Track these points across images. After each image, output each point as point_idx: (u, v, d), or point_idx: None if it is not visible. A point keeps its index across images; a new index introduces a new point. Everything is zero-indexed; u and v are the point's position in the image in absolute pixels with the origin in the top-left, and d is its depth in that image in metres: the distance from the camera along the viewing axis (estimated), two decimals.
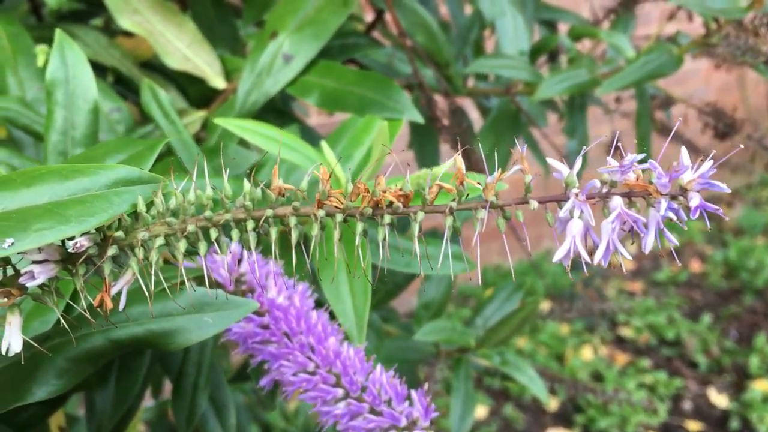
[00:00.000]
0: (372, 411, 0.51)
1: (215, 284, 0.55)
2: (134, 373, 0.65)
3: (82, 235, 0.33)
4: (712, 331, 2.70)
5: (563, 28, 1.22)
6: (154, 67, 0.95)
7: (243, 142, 0.77)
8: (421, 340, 0.91)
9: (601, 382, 2.47)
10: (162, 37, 0.86)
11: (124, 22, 0.84)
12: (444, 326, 0.92)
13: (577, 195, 0.32)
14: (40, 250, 0.33)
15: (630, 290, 2.97)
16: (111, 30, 0.97)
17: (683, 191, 0.32)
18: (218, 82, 0.88)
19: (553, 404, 2.41)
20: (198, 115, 0.89)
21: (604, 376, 2.48)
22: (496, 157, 0.35)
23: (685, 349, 2.63)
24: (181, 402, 0.70)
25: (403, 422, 0.51)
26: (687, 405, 2.41)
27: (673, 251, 0.34)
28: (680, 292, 2.94)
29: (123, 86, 0.95)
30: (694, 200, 0.31)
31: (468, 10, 1.15)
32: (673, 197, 0.32)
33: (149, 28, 0.86)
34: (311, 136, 0.91)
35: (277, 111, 0.93)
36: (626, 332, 2.72)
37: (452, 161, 0.34)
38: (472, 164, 0.88)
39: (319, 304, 0.58)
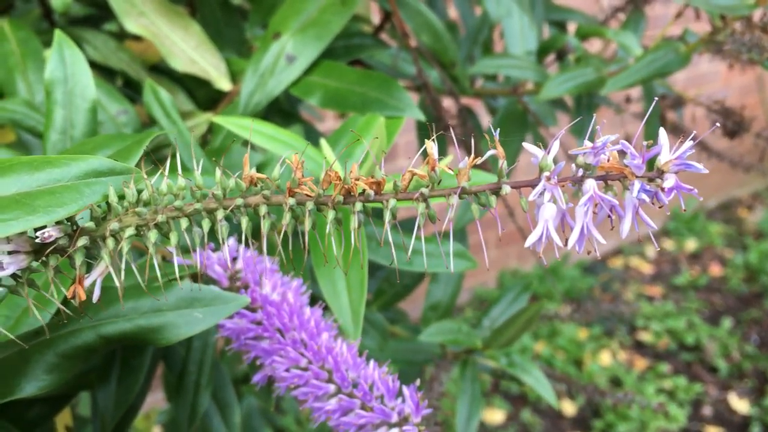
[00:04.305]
0: (363, 407, 0.51)
1: (210, 281, 0.55)
2: (136, 371, 0.65)
3: (52, 225, 0.33)
4: (733, 335, 2.66)
5: (573, 28, 1.21)
6: (162, 70, 0.96)
7: (248, 144, 0.77)
8: (426, 341, 0.90)
9: (619, 387, 2.45)
10: (168, 40, 0.87)
11: (130, 25, 0.85)
12: (450, 327, 0.91)
13: (548, 178, 0.32)
14: (9, 240, 0.33)
15: (649, 294, 2.94)
16: (122, 34, 0.97)
17: (660, 173, 0.32)
18: (224, 83, 0.89)
19: (571, 409, 2.39)
20: (205, 117, 0.90)
21: (623, 381, 2.46)
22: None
23: (705, 354, 2.59)
24: (182, 400, 0.70)
25: (395, 418, 0.51)
26: (707, 410, 2.38)
27: (652, 235, 0.34)
28: (700, 296, 2.91)
29: (131, 89, 0.96)
30: (669, 181, 0.30)
31: (478, 11, 1.15)
32: (650, 179, 0.32)
33: (155, 31, 0.86)
34: (317, 137, 0.91)
35: (283, 112, 0.94)
36: (645, 337, 2.69)
37: (430, 151, 0.34)
38: (477, 165, 0.88)
39: (314, 299, 0.58)
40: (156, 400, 1.96)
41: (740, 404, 2.39)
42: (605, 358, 2.58)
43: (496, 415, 2.36)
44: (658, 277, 3.07)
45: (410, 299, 1.02)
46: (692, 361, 2.58)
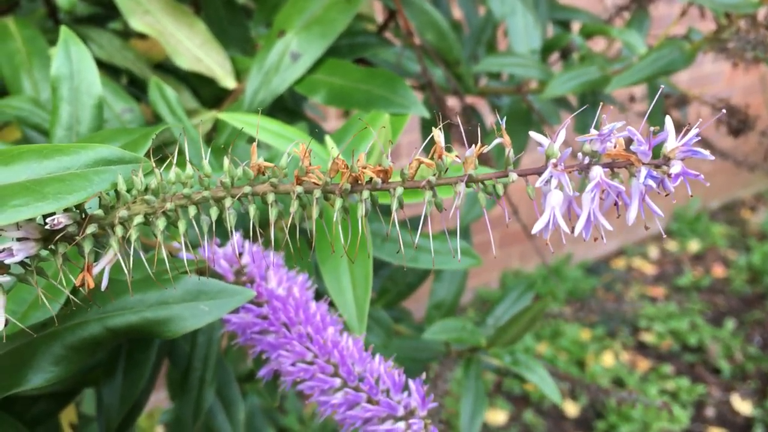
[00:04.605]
0: (369, 401, 0.51)
1: (216, 276, 0.55)
2: (141, 365, 0.65)
3: (61, 212, 0.33)
4: (736, 336, 2.66)
5: (577, 27, 1.22)
6: (167, 68, 0.96)
7: (252, 141, 0.78)
8: (430, 339, 0.90)
9: (622, 387, 2.45)
10: (173, 38, 0.87)
11: (136, 23, 0.85)
12: (454, 325, 0.91)
13: (555, 165, 0.32)
14: (18, 226, 0.34)
15: (652, 295, 2.94)
16: (126, 32, 0.98)
17: (666, 159, 0.32)
18: (229, 81, 0.89)
19: (573, 410, 2.39)
20: (209, 115, 0.90)
21: (626, 381, 2.45)
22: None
23: (708, 355, 2.59)
24: (187, 396, 0.70)
25: (401, 412, 0.51)
26: (710, 412, 2.38)
27: (658, 222, 0.34)
28: (703, 297, 2.91)
29: (136, 87, 0.96)
30: (676, 167, 0.31)
31: (482, 11, 1.15)
32: (656, 166, 0.32)
33: (160, 29, 0.87)
34: (321, 136, 0.92)
35: (287, 110, 0.94)
36: (648, 338, 2.69)
37: (435, 142, 0.34)
38: (482, 162, 0.88)
39: (319, 295, 0.58)
40: (159, 399, 1.96)
41: (743, 405, 2.38)
42: (608, 359, 2.57)
43: (498, 416, 2.36)
44: (661, 278, 3.07)
45: (414, 299, 1.02)
46: (695, 363, 2.58)
